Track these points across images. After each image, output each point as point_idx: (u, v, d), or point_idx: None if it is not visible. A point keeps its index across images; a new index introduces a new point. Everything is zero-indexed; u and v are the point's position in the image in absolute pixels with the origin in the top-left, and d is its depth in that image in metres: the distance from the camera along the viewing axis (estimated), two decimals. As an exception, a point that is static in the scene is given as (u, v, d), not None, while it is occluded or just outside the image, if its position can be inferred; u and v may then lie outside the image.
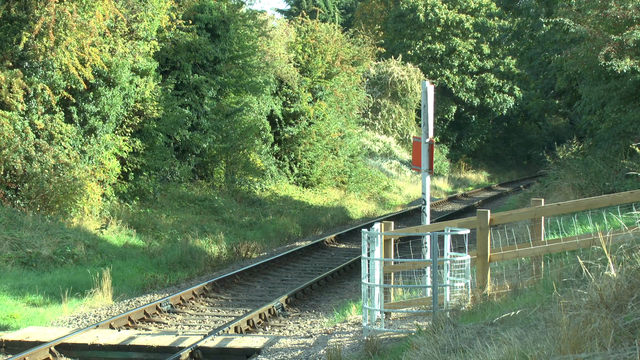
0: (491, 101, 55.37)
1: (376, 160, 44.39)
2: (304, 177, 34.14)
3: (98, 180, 20.56)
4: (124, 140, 22.46)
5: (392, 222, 11.81)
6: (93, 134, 20.74)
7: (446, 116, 54.59)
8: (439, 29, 54.37)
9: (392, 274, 11.26)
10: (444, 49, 54.33)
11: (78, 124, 20.38)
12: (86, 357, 10.78)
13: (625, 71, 20.49)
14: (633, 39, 20.05)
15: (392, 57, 49.99)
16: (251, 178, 29.19)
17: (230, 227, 23.32)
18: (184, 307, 14.03)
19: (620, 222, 9.41)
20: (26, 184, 18.64)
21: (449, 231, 9.96)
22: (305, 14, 38.04)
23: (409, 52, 53.59)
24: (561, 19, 22.78)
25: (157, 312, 13.29)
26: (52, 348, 10.65)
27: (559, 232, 11.98)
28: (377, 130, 47.89)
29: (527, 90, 52.33)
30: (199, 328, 12.48)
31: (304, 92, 33.64)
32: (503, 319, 6.94)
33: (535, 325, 6.34)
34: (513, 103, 55.75)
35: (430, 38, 54.58)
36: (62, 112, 19.93)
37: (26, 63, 19.10)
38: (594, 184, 20.11)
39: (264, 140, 30.94)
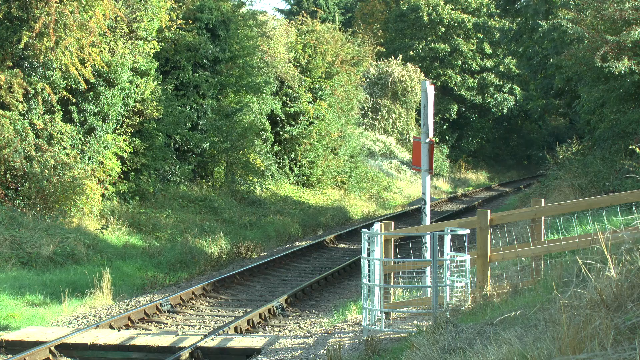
0: (492, 100, 55.38)
1: (376, 160, 44.38)
2: (304, 177, 34.13)
3: (98, 180, 20.56)
4: (124, 140, 22.47)
5: (392, 222, 11.80)
6: (93, 134, 20.74)
7: (447, 115, 54.58)
8: (442, 29, 54.36)
9: (392, 274, 11.26)
10: (447, 50, 54.32)
11: (78, 124, 20.38)
12: (86, 357, 10.78)
13: (623, 72, 20.49)
14: (630, 40, 20.05)
15: (393, 57, 49.96)
16: (251, 178, 29.18)
17: (230, 227, 23.31)
18: (184, 307, 14.04)
19: (620, 222, 9.43)
20: (26, 184, 18.64)
21: (449, 231, 9.96)
22: (305, 14, 38.04)
23: (410, 52, 53.59)
24: (559, 20, 22.78)
25: (157, 312, 13.30)
26: (52, 348, 10.66)
27: (559, 232, 11.98)
28: (377, 130, 47.88)
29: (527, 92, 52.36)
30: (199, 328, 12.49)
31: (304, 92, 33.64)
32: (503, 319, 6.95)
33: (535, 325, 6.34)
34: (513, 102, 55.76)
35: (433, 38, 54.57)
36: (62, 112, 19.93)
37: (26, 63, 19.11)
38: (594, 184, 20.11)
39: (264, 140, 30.94)
